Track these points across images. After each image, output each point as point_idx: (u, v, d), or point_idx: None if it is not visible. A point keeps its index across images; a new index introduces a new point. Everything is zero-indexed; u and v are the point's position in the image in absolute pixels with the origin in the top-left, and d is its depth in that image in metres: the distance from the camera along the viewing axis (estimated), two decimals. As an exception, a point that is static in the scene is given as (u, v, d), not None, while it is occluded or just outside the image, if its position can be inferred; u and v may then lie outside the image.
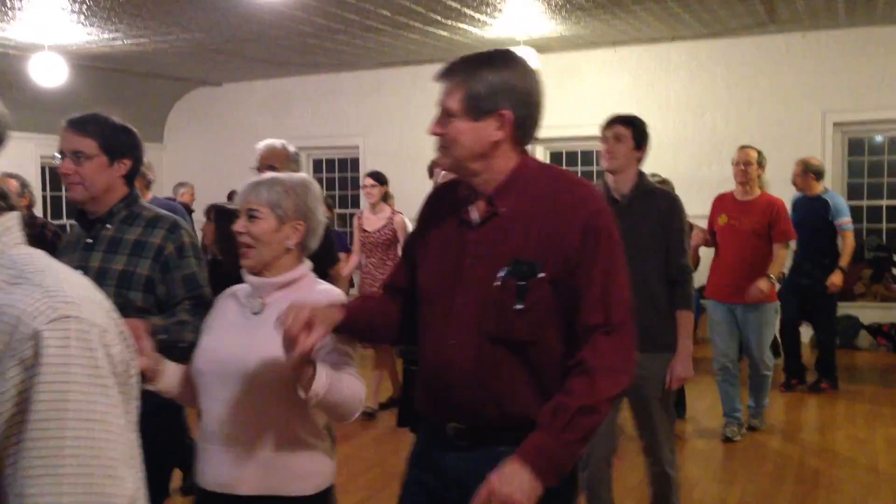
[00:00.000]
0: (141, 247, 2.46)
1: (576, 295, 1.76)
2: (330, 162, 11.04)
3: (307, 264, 2.14)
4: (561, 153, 9.72)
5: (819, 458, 5.05)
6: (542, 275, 1.74)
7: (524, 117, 1.79)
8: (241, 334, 2.04)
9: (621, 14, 7.37)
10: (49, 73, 7.83)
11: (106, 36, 7.75)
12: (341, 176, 10.87)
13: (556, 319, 1.78)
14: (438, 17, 7.20)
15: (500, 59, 1.79)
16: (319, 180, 9.75)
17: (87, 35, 7.68)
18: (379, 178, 6.08)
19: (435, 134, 1.82)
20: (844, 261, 6.26)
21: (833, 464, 4.90)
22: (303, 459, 2.02)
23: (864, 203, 8.71)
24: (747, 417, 5.46)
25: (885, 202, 8.55)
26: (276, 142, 3.65)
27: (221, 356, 2.02)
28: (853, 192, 8.72)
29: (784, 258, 5.23)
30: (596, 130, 3.47)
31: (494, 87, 1.75)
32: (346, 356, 2.01)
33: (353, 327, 1.95)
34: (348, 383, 1.92)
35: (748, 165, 5.22)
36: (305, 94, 10.61)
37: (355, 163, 10.57)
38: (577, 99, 9.01)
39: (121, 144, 2.49)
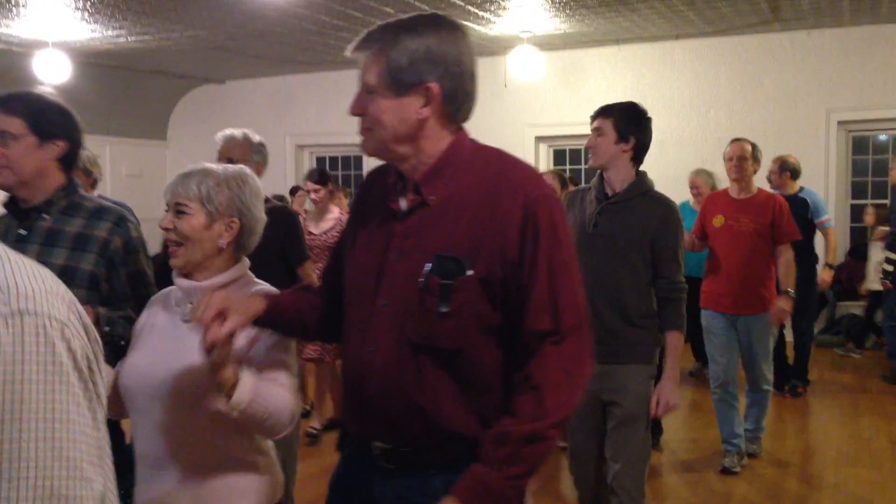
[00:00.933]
0: (84, 240, 2.28)
1: (517, 296, 1.53)
2: (333, 160, 11.04)
3: (243, 264, 1.95)
4: (564, 151, 9.72)
5: (823, 457, 5.05)
6: (470, 272, 1.51)
7: (454, 90, 1.54)
8: (169, 345, 1.85)
9: (625, 12, 7.35)
10: (53, 70, 7.82)
11: (110, 33, 7.75)
12: (344, 174, 10.86)
13: (488, 324, 1.55)
14: (442, 15, 7.19)
15: (424, 24, 1.55)
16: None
17: (90, 32, 7.68)
18: (321, 179, 5.54)
19: (355, 114, 1.59)
20: (831, 257, 6.27)
21: (837, 463, 4.89)
22: (241, 479, 1.85)
23: (869, 202, 8.68)
24: (745, 443, 4.86)
25: (888, 201, 8.52)
26: (238, 131, 3.47)
27: (148, 370, 1.82)
28: (857, 190, 8.71)
29: (793, 262, 4.69)
30: (599, 129, 3.41)
31: (417, 56, 1.52)
32: (280, 363, 1.83)
33: (280, 320, 1.75)
34: (277, 395, 1.75)
35: (742, 160, 4.64)
36: (309, 92, 10.60)
37: (358, 160, 10.57)
38: (581, 97, 9.00)
39: (52, 124, 2.28)
